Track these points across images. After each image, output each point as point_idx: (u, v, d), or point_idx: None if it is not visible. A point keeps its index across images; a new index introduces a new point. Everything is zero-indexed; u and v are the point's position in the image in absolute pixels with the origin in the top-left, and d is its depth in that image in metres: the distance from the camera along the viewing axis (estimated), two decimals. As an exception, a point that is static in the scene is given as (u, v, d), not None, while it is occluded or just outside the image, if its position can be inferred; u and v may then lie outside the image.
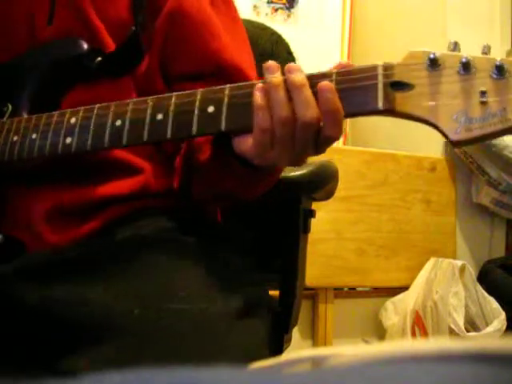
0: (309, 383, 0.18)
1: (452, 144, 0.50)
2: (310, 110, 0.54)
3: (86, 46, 0.71)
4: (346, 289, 1.90)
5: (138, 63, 0.73)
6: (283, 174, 0.83)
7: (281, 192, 0.89)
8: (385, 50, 2.42)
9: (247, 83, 0.59)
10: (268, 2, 2.34)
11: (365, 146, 2.08)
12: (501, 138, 1.85)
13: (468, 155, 1.93)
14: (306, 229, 0.86)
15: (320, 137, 0.55)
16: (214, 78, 0.75)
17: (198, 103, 0.59)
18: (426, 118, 0.50)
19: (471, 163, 1.95)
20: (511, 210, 2.00)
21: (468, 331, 1.68)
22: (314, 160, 0.85)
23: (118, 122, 0.62)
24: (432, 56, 0.51)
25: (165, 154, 0.76)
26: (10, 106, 0.73)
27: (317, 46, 2.30)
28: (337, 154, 1.69)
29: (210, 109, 0.58)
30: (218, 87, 0.59)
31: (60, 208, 0.69)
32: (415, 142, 2.09)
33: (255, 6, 2.32)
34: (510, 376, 0.17)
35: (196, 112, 0.59)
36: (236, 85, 0.58)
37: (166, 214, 0.72)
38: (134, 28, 0.71)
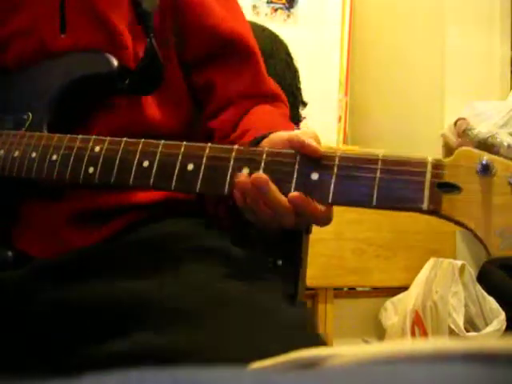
0: (309, 383, 0.18)
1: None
2: (284, 218, 0.55)
3: (115, 63, 0.70)
4: (345, 289, 1.90)
5: (161, 80, 0.73)
6: None
7: None
8: (384, 50, 2.42)
9: (286, 152, 0.55)
10: (268, 2, 2.34)
11: (365, 146, 2.08)
12: (501, 138, 1.85)
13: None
14: (309, 229, 0.87)
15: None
16: (225, 55, 0.77)
17: (232, 162, 0.56)
18: (471, 228, 0.48)
19: (471, 163, 1.94)
20: (511, 210, 2.00)
21: (468, 331, 1.68)
22: None
23: (146, 163, 0.60)
24: (484, 162, 0.48)
25: None
26: (31, 115, 0.71)
27: (317, 46, 2.30)
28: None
29: (245, 171, 0.55)
30: (257, 149, 0.56)
31: (84, 212, 0.69)
32: (415, 142, 2.09)
33: (255, 6, 2.32)
34: (510, 376, 0.17)
35: (230, 171, 0.56)
36: (274, 150, 0.56)
37: (188, 216, 0.72)
38: (149, 39, 0.71)
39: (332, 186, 0.52)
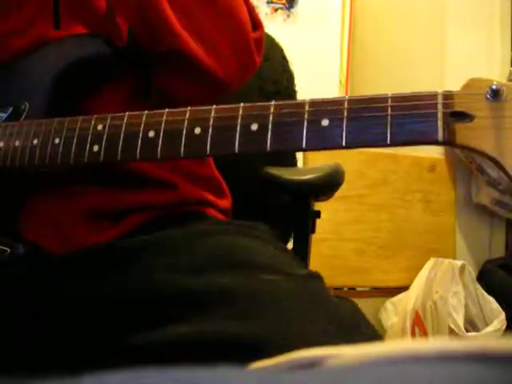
0: (309, 383, 0.18)
1: None
2: None
3: (111, 44, 0.69)
4: (345, 289, 1.90)
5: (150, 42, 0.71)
6: (298, 177, 0.85)
7: (294, 194, 0.90)
8: (384, 50, 2.42)
9: (296, 102, 0.55)
10: (268, 2, 2.34)
11: (365, 146, 2.08)
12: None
13: (468, 155, 1.93)
14: (313, 229, 0.88)
15: None
16: None
17: (240, 120, 0.55)
18: (489, 154, 0.47)
19: (471, 163, 1.95)
20: (511, 209, 2.00)
21: (468, 331, 1.68)
22: (328, 164, 0.89)
23: (151, 134, 0.58)
24: (494, 87, 0.47)
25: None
26: (28, 105, 0.70)
27: (317, 46, 2.30)
28: (336, 153, 1.69)
29: (254, 126, 0.55)
30: (263, 104, 0.55)
31: (96, 210, 0.68)
32: (415, 142, 2.08)
33: (255, 6, 2.32)
34: (511, 376, 0.17)
35: (238, 129, 0.55)
36: (283, 102, 0.55)
37: (205, 218, 0.72)
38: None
39: (344, 129, 0.52)
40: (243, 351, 0.49)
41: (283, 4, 2.35)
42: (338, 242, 1.78)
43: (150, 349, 0.53)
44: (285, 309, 0.54)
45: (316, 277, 0.61)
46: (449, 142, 0.49)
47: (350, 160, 1.77)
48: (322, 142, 0.53)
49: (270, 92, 1.04)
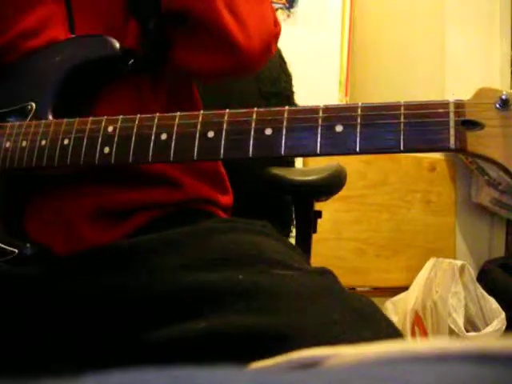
0: (309, 383, 0.18)
1: None
2: None
3: (118, 45, 0.69)
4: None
5: (166, 59, 0.72)
6: (300, 178, 0.85)
7: (296, 195, 0.90)
8: (385, 50, 2.42)
9: (310, 108, 0.55)
10: (268, 2, 2.34)
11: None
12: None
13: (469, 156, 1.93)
14: (314, 229, 0.88)
15: None
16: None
17: (254, 124, 0.55)
18: (499, 161, 0.49)
19: (471, 163, 1.95)
20: (511, 209, 2.00)
21: (468, 331, 1.68)
22: (330, 164, 0.90)
23: (164, 136, 0.58)
24: (504, 96, 0.49)
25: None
26: (34, 105, 0.70)
27: (317, 46, 2.30)
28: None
29: (268, 131, 0.55)
30: (277, 109, 0.55)
31: (102, 208, 0.68)
32: (415, 142, 2.08)
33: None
34: (511, 376, 0.17)
35: (252, 133, 0.55)
36: (297, 108, 0.56)
37: (210, 215, 0.72)
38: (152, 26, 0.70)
39: (358, 135, 0.52)
40: (265, 343, 0.48)
41: (283, 4, 2.35)
42: (338, 242, 1.78)
43: (169, 344, 0.53)
44: (303, 300, 0.53)
45: (329, 272, 0.61)
46: (460, 150, 0.50)
47: (350, 160, 1.77)
48: (336, 147, 0.53)
49: (269, 92, 1.05)
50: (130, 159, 0.59)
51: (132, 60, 0.69)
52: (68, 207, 0.69)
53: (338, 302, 0.55)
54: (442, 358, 0.18)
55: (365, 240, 1.83)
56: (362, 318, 0.52)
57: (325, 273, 0.61)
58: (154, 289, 0.58)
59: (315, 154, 0.54)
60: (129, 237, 0.67)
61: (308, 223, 0.88)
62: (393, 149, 0.52)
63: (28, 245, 0.65)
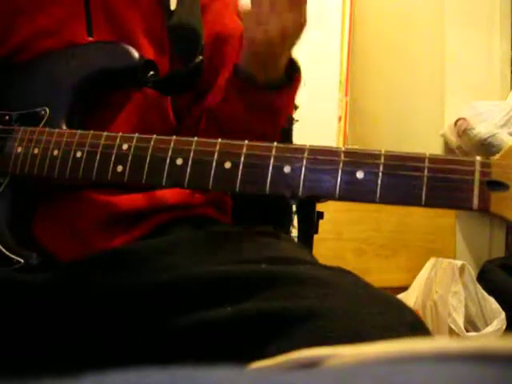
0: (309, 383, 0.18)
1: None
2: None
3: (137, 56, 0.68)
4: (345, 289, 1.90)
5: (193, 89, 0.74)
6: None
7: (300, 197, 0.91)
8: (384, 50, 2.42)
9: (331, 149, 0.54)
10: (268, 2, 2.33)
11: (365, 146, 2.08)
12: (501, 139, 1.85)
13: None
14: (316, 230, 0.88)
15: None
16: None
17: (272, 160, 0.54)
18: None
19: (471, 163, 1.95)
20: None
21: (468, 331, 1.68)
22: None
23: (179, 161, 0.57)
24: None
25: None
26: (48, 111, 0.68)
27: (317, 46, 2.30)
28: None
29: (286, 169, 0.53)
30: (297, 146, 0.54)
31: (113, 216, 0.67)
32: (415, 142, 2.09)
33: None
34: (511, 376, 0.17)
35: (270, 170, 0.54)
36: (318, 148, 0.54)
37: (216, 222, 0.72)
38: (201, 57, 0.72)
39: (379, 184, 0.51)
40: (293, 323, 0.48)
41: (283, 4, 2.35)
42: (338, 242, 1.78)
43: (198, 328, 0.53)
44: (328, 287, 0.53)
45: (348, 271, 0.61)
46: (483, 210, 0.49)
47: (350, 160, 1.77)
48: (356, 194, 0.52)
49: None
50: (144, 180, 0.58)
51: (152, 72, 0.69)
52: (78, 216, 0.68)
53: (364, 291, 0.54)
54: (442, 358, 0.18)
55: (365, 240, 1.83)
56: (387, 305, 0.51)
57: (345, 271, 0.60)
58: (176, 280, 0.57)
59: (333, 198, 0.53)
60: (142, 239, 0.66)
61: (310, 224, 0.88)
62: (414, 202, 0.50)
63: (34, 255, 0.64)
